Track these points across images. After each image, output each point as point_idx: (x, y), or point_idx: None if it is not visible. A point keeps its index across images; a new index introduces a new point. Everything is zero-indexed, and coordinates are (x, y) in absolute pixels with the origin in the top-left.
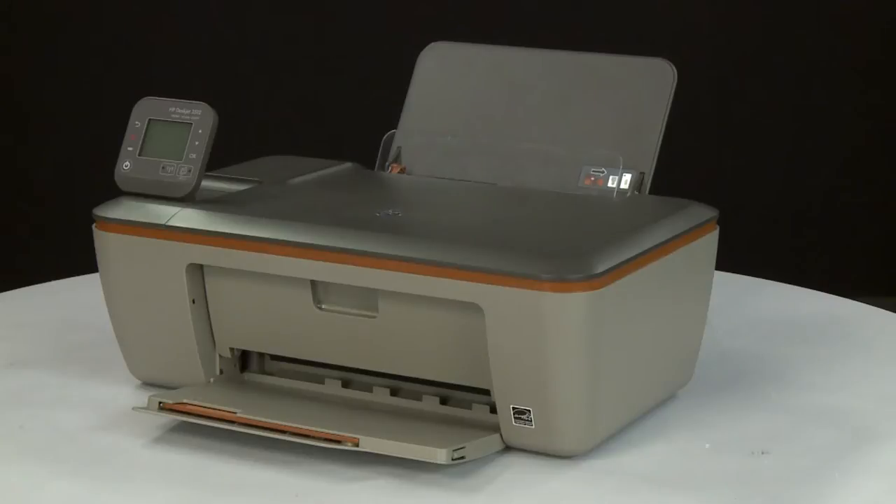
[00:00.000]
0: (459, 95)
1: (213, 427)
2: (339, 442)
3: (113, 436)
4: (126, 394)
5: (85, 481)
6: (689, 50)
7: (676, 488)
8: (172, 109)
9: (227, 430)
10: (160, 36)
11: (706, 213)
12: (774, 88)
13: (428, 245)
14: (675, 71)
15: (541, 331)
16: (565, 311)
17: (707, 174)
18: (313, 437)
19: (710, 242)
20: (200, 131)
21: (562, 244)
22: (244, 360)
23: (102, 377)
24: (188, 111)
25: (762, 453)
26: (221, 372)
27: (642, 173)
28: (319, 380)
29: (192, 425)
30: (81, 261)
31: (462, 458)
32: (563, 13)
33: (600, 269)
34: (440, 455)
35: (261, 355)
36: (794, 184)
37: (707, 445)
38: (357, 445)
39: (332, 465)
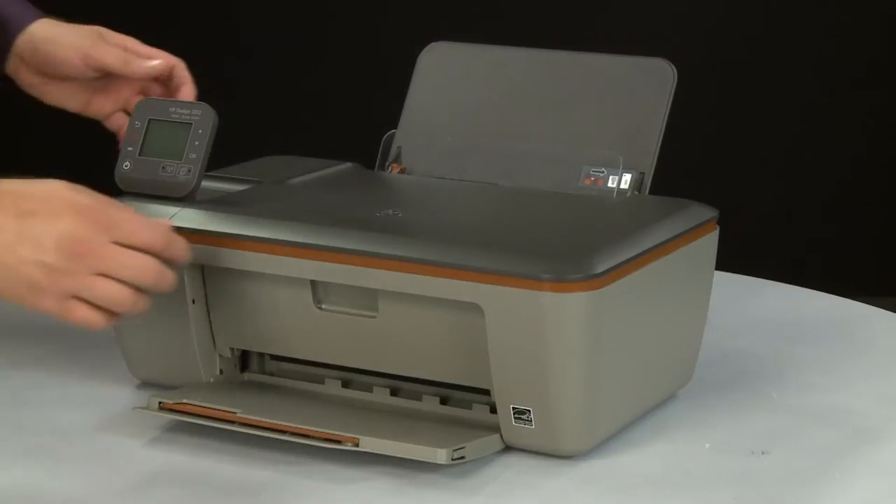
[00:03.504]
0: (459, 95)
1: (213, 427)
2: (339, 442)
3: (113, 436)
4: (126, 394)
5: (85, 481)
6: (689, 50)
7: (676, 488)
8: (172, 109)
9: (227, 430)
10: (160, 36)
11: (706, 213)
12: (774, 88)
13: (428, 245)
14: (675, 71)
15: (541, 331)
16: (565, 311)
17: (707, 174)
18: (313, 437)
19: (710, 242)
20: (200, 131)
21: (562, 244)
22: (244, 360)
23: (102, 377)
24: (188, 111)
25: (762, 453)
26: (221, 372)
27: (642, 173)
28: (319, 380)
29: (192, 425)
30: None
31: (462, 458)
32: (562, 13)
33: (600, 269)
34: (440, 455)
35: (261, 355)
36: (794, 184)
37: (707, 445)
38: (357, 445)
39: (332, 465)
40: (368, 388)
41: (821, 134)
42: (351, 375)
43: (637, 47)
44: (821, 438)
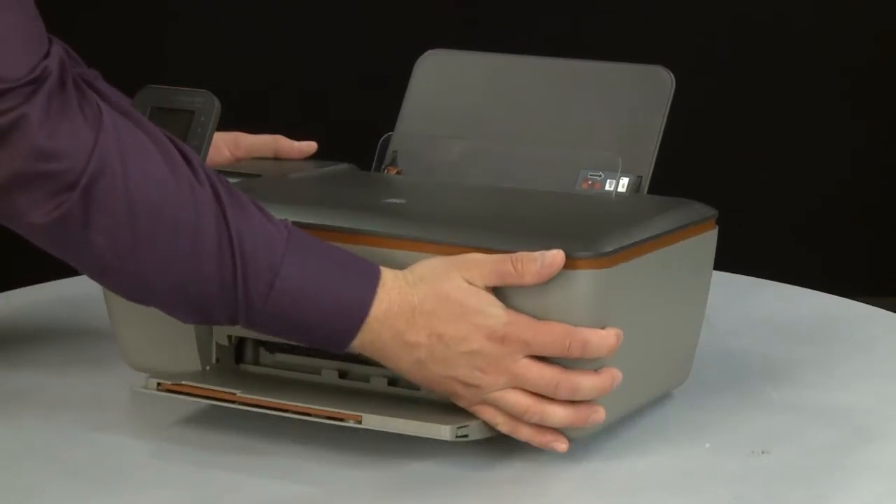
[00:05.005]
0: (456, 103)
1: (212, 427)
2: (341, 420)
3: (113, 436)
4: (126, 393)
5: (85, 481)
6: (688, 56)
7: (676, 488)
8: (175, 97)
9: (226, 424)
10: (160, 35)
11: (706, 211)
12: (773, 90)
13: (434, 225)
14: (673, 78)
15: (546, 308)
16: (573, 288)
17: (706, 175)
18: (315, 415)
19: (709, 240)
20: (203, 119)
21: (569, 225)
22: (239, 350)
23: (102, 377)
24: (190, 99)
25: (762, 453)
26: (218, 360)
27: (640, 177)
28: (316, 371)
29: (193, 426)
30: None
31: (465, 436)
32: (561, 20)
33: (608, 248)
34: (444, 431)
35: (256, 347)
36: (793, 184)
37: (707, 445)
38: (360, 423)
39: (333, 465)
40: (365, 379)
41: (820, 134)
42: (348, 365)
43: (635, 55)
44: (821, 438)
